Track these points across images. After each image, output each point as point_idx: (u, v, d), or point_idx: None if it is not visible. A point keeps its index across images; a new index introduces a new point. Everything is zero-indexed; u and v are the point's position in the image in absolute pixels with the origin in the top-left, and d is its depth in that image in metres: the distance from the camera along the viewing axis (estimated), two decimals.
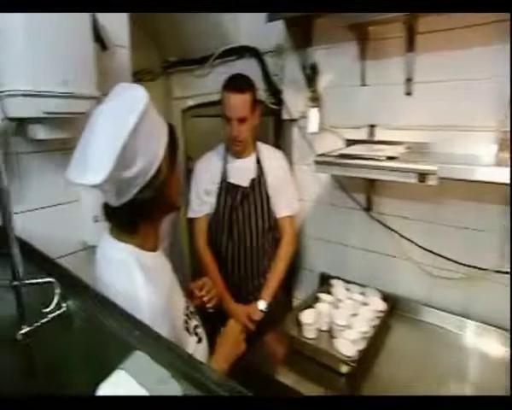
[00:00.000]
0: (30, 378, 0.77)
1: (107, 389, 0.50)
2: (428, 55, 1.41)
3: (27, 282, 0.70)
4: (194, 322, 0.93)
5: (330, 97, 1.69)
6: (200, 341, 0.91)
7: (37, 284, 0.70)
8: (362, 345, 1.33)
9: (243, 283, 1.71)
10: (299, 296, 2.03)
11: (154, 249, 0.86)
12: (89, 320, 0.70)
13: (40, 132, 1.05)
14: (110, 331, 0.62)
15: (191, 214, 1.75)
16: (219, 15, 1.85)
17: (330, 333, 1.45)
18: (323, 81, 1.70)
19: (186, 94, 2.34)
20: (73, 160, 0.72)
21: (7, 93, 0.97)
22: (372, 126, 1.59)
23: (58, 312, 0.73)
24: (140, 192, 0.74)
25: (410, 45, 1.42)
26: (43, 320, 0.72)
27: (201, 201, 1.70)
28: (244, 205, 1.65)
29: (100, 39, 1.20)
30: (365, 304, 1.56)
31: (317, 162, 1.39)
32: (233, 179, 1.66)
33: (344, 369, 1.27)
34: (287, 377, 1.28)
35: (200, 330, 0.93)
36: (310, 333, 1.45)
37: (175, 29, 2.04)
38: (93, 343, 0.69)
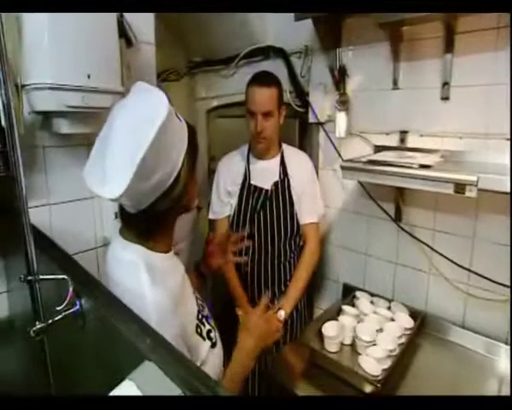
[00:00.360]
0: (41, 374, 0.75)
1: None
2: (467, 57, 1.32)
3: (41, 277, 0.68)
4: (207, 326, 0.90)
5: (359, 101, 1.62)
6: (214, 345, 0.88)
7: (50, 279, 0.68)
8: (387, 364, 1.25)
9: (263, 288, 1.66)
10: (321, 306, 1.96)
11: (165, 251, 0.84)
12: (100, 321, 0.68)
13: (63, 126, 1.05)
14: (121, 335, 0.59)
15: (212, 215, 1.71)
16: (245, 15, 1.82)
17: (353, 348, 1.38)
18: (352, 84, 1.63)
19: (211, 94, 2.33)
20: (91, 162, 0.71)
21: (33, 86, 0.97)
22: (404, 132, 1.51)
23: (72, 310, 0.71)
24: (157, 201, 0.73)
25: (449, 46, 1.34)
26: (56, 317, 0.70)
27: (222, 202, 1.67)
28: (266, 209, 1.60)
29: (125, 35, 1.19)
30: (391, 320, 1.48)
31: (344, 168, 1.32)
32: (255, 181, 1.61)
33: (368, 389, 1.19)
34: (306, 392, 1.23)
35: (213, 335, 0.90)
36: (332, 347, 1.38)
37: (201, 29, 2.02)
38: (103, 345, 0.67)
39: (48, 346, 0.72)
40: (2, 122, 0.95)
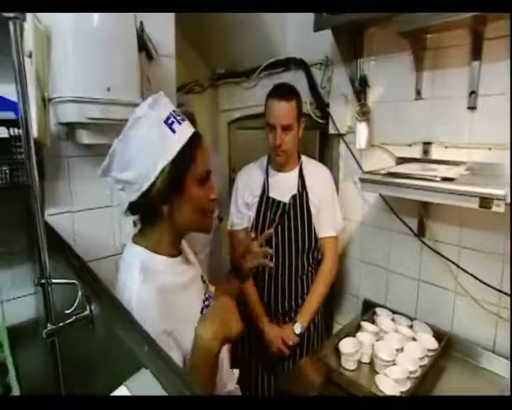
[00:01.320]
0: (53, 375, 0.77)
1: None
2: (496, 64, 1.25)
3: (53, 281, 0.71)
4: None
5: (381, 111, 1.58)
6: None
7: (62, 284, 0.71)
8: (407, 386, 1.18)
9: (280, 302, 1.63)
10: (340, 321, 1.90)
11: (172, 255, 0.88)
12: (105, 326, 0.69)
13: (85, 137, 1.10)
14: (121, 341, 0.60)
15: (230, 227, 1.72)
16: (267, 27, 1.84)
17: (372, 367, 1.32)
18: (373, 94, 1.60)
19: (232, 106, 2.36)
20: None
21: (57, 100, 1.02)
22: (427, 144, 1.45)
23: (82, 314, 0.73)
24: (140, 198, 0.80)
25: (476, 53, 1.28)
26: (67, 321, 0.72)
27: (241, 214, 1.67)
28: (284, 221, 1.58)
29: (146, 49, 1.23)
30: (413, 339, 1.40)
31: (363, 180, 1.29)
32: (273, 194, 1.60)
33: None
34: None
35: None
36: (349, 364, 1.33)
37: (223, 42, 2.07)
38: (107, 350, 0.68)
39: (59, 348, 0.74)
40: (34, 133, 1.02)
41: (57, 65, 1.02)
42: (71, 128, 1.14)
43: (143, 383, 0.49)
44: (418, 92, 1.46)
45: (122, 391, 0.49)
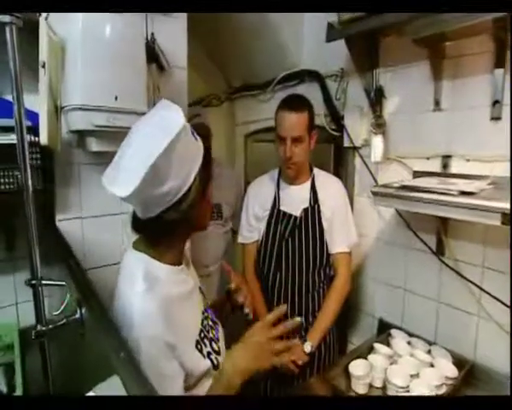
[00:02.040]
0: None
1: None
2: None
3: (44, 282, 0.70)
4: (208, 348, 0.87)
5: (397, 123, 1.53)
6: (215, 368, 0.85)
7: (52, 285, 0.70)
8: None
9: (289, 319, 1.56)
10: (354, 342, 1.81)
11: (173, 263, 0.85)
12: (91, 331, 0.68)
13: (93, 145, 1.12)
14: (102, 346, 0.58)
15: (240, 240, 1.69)
16: (282, 40, 1.84)
17: (384, 392, 1.24)
18: (389, 106, 1.55)
19: (249, 119, 2.36)
20: (111, 165, 0.76)
21: (67, 108, 1.05)
22: (447, 157, 1.38)
23: (72, 317, 0.73)
24: (166, 211, 0.76)
25: (500, 61, 1.21)
26: (57, 323, 0.71)
27: (251, 226, 1.64)
28: (295, 236, 1.53)
29: (157, 60, 1.25)
30: (431, 365, 1.31)
31: (375, 193, 1.23)
32: (284, 207, 1.56)
33: None
34: None
35: (214, 358, 0.87)
36: (359, 388, 1.26)
37: (240, 55, 2.09)
38: (91, 354, 0.66)
39: (49, 350, 0.73)
40: (42, 140, 1.05)
41: (68, 74, 1.05)
42: (81, 136, 1.16)
43: (111, 390, 0.47)
44: (437, 103, 1.40)
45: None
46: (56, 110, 1.12)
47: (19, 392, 1.02)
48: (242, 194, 2.30)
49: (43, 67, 1.04)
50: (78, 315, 0.73)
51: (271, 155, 1.99)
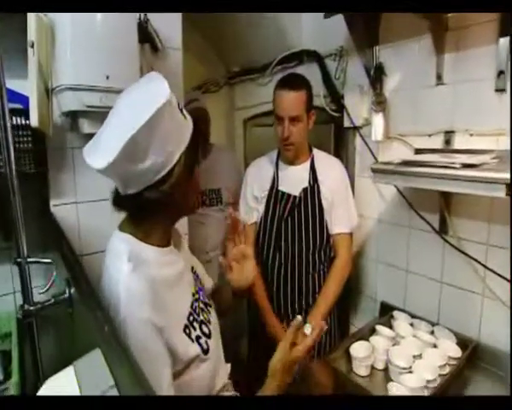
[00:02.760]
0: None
1: (50, 384, 0.44)
2: None
3: (29, 260, 0.69)
4: (197, 332, 0.85)
5: (398, 101, 1.48)
6: (204, 352, 0.84)
7: (38, 263, 0.69)
8: None
9: (290, 301, 1.55)
10: (356, 324, 1.79)
11: (160, 245, 0.83)
12: (80, 310, 0.67)
13: (85, 126, 1.10)
14: (87, 321, 0.56)
15: None
16: (280, 22, 1.79)
17: (386, 374, 1.22)
18: (390, 83, 1.50)
19: (248, 104, 2.33)
20: (93, 138, 0.74)
21: (58, 88, 1.03)
22: (450, 132, 1.34)
23: (61, 297, 0.71)
24: (147, 189, 0.73)
25: (504, 29, 1.16)
26: (46, 303, 0.70)
27: (250, 208, 1.62)
28: (294, 216, 1.51)
29: (150, 40, 1.23)
30: (434, 346, 1.28)
31: (375, 170, 1.20)
32: (283, 187, 1.54)
33: None
34: None
35: (204, 341, 0.85)
36: (361, 370, 1.24)
37: (238, 39, 2.05)
38: (77, 332, 0.65)
39: (37, 330, 0.72)
40: (32, 122, 1.03)
41: (58, 54, 1.02)
42: (73, 118, 1.14)
43: (92, 364, 0.45)
44: (439, 77, 1.35)
45: (67, 371, 0.45)
46: (47, 92, 1.10)
47: (15, 379, 1.02)
48: (242, 179, 2.28)
49: (32, 47, 1.02)
50: (66, 295, 0.72)
51: (271, 139, 1.96)
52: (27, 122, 1.08)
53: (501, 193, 0.95)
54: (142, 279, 0.74)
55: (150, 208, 0.77)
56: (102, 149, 0.68)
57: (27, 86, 1.00)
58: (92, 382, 0.45)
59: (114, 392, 0.42)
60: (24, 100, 1.10)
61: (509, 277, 1.22)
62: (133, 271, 0.73)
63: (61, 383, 0.45)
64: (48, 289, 0.68)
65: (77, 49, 0.99)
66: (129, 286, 0.72)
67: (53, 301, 0.70)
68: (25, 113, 1.08)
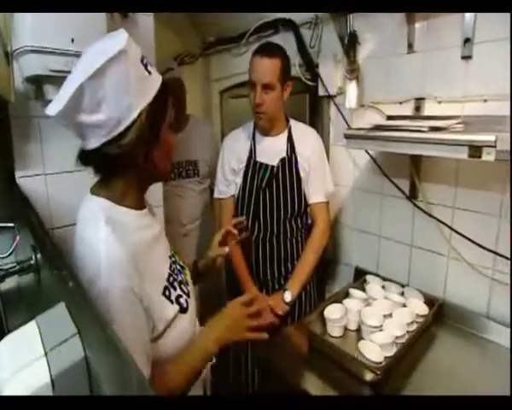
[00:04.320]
0: None
1: (7, 340, 0.43)
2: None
3: None
4: (178, 291, 0.86)
5: (371, 69, 1.50)
6: (183, 311, 0.84)
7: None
8: (392, 351, 1.13)
9: (269, 269, 1.58)
10: (332, 291, 1.85)
11: (135, 207, 0.82)
12: (46, 273, 0.65)
13: (50, 92, 1.04)
14: (52, 281, 0.56)
15: (217, 195, 1.67)
16: None
17: (358, 334, 1.28)
18: (363, 51, 1.51)
19: (223, 75, 2.29)
20: None
21: (18, 51, 0.97)
22: (420, 100, 1.37)
23: (27, 263, 0.70)
24: (107, 144, 0.71)
25: None
26: (8, 268, 0.69)
27: (228, 181, 1.62)
28: (272, 185, 1.52)
29: None
30: (404, 306, 1.34)
31: (348, 136, 1.22)
32: (261, 158, 1.54)
33: (368, 377, 1.09)
34: (305, 379, 1.15)
35: (184, 301, 0.86)
36: (335, 331, 1.29)
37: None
38: (46, 297, 0.64)
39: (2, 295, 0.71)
40: None
41: (17, 14, 0.96)
42: (37, 84, 1.09)
43: (55, 316, 0.45)
44: (410, 45, 1.37)
45: (30, 326, 0.45)
46: (7, 55, 1.04)
47: None
48: (219, 151, 2.27)
49: None
50: (33, 261, 0.71)
51: (247, 110, 1.94)
52: None
53: (464, 155, 0.99)
54: (122, 244, 0.72)
55: (113, 165, 0.76)
56: (56, 98, 0.68)
57: None
58: (54, 332, 0.44)
59: (76, 340, 0.43)
60: None
61: (473, 238, 1.28)
62: (112, 235, 0.72)
63: (23, 335, 0.45)
64: (11, 253, 0.67)
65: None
66: (109, 252, 0.70)
67: (18, 267, 0.69)
68: None
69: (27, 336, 0.44)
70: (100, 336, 0.43)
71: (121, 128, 0.70)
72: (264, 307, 1.48)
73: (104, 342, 0.42)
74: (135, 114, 0.71)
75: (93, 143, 0.71)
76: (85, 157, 0.77)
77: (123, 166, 0.76)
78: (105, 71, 0.65)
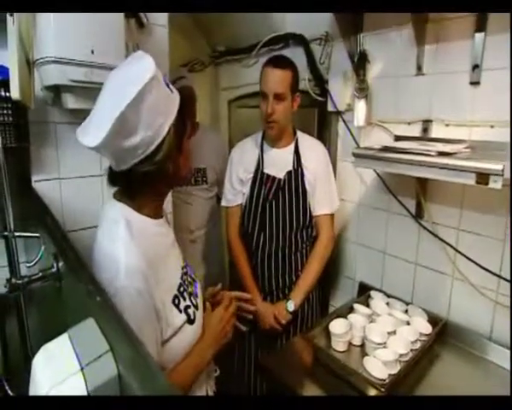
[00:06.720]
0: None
1: (46, 350, 0.45)
2: (502, 36, 1.18)
3: (16, 234, 0.69)
4: (187, 302, 0.88)
5: (380, 88, 1.52)
6: (191, 322, 0.87)
7: (25, 237, 0.69)
8: (396, 369, 1.15)
9: (274, 278, 1.60)
10: (336, 304, 1.87)
11: (153, 216, 0.85)
12: (69, 283, 0.67)
13: (69, 101, 1.07)
14: (78, 294, 0.57)
15: (224, 203, 1.70)
16: None
17: (363, 350, 1.29)
18: (373, 70, 1.54)
19: (233, 84, 2.31)
20: (85, 120, 0.76)
21: (40, 61, 1.00)
22: (427, 121, 1.39)
23: (49, 271, 0.71)
24: (140, 163, 0.75)
25: (481, 24, 1.21)
26: (33, 277, 0.70)
27: (235, 190, 1.64)
28: (278, 198, 1.55)
29: (136, 16, 1.20)
30: (407, 324, 1.36)
31: (357, 155, 1.24)
32: (268, 170, 1.57)
33: (371, 393, 1.10)
34: (307, 391, 1.17)
35: (192, 312, 0.88)
36: (339, 346, 1.31)
37: (224, 19, 2.02)
38: (69, 305, 0.66)
39: (25, 304, 0.73)
40: (13, 94, 1.00)
41: (40, 25, 0.99)
42: (56, 92, 1.11)
43: (86, 331, 0.47)
44: (419, 67, 1.40)
45: (62, 338, 0.47)
46: (28, 64, 1.06)
47: None
48: (227, 159, 2.29)
49: (12, 15, 0.98)
50: (54, 269, 0.72)
51: (255, 121, 1.98)
52: (8, 94, 1.05)
53: (471, 181, 1.02)
54: (139, 248, 0.76)
55: (143, 181, 0.79)
56: (94, 128, 0.71)
57: (7, 57, 0.97)
58: (88, 348, 0.46)
59: (110, 357, 0.44)
60: (4, 71, 1.06)
61: (478, 260, 1.30)
62: (130, 239, 0.75)
63: (58, 348, 0.46)
64: (36, 263, 0.68)
65: (61, 19, 0.96)
66: (127, 254, 0.74)
67: (40, 275, 0.70)
68: (5, 84, 1.04)
69: (62, 349, 0.46)
70: (131, 353, 0.45)
71: (153, 147, 0.74)
72: (268, 314, 1.53)
73: (136, 358, 0.44)
74: (165, 131, 0.75)
75: (128, 164, 0.75)
76: (117, 178, 0.81)
77: (152, 181, 0.80)
78: (140, 98, 0.69)
